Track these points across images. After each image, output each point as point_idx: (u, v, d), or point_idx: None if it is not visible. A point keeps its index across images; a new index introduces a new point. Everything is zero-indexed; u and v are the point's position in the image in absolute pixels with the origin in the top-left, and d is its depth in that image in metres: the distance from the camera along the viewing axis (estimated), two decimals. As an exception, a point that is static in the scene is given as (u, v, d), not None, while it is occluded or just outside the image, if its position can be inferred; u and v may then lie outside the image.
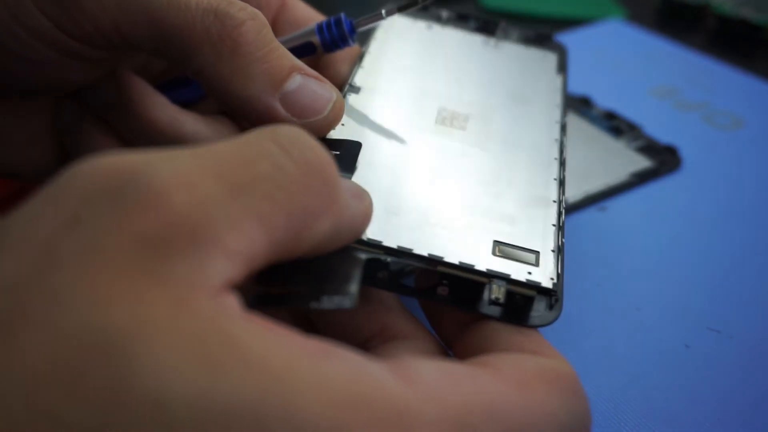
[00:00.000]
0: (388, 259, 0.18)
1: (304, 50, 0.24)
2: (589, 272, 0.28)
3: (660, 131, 0.37)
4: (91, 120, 0.23)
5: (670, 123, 0.39)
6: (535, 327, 0.18)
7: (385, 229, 0.18)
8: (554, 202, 0.21)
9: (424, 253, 0.18)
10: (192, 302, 0.12)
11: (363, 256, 0.17)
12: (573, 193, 0.32)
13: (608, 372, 0.23)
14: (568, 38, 0.48)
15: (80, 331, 0.11)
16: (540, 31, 0.30)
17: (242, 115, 0.21)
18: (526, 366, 0.15)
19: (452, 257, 0.18)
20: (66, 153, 0.24)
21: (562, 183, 0.22)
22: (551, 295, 0.18)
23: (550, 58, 0.29)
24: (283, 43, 0.23)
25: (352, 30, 0.24)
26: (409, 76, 0.25)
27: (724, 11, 0.50)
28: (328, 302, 0.15)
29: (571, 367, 0.16)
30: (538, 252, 0.19)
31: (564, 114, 0.25)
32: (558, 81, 0.27)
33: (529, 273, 0.18)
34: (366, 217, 0.17)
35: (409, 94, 0.24)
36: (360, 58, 0.25)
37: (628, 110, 0.39)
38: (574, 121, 0.38)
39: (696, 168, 0.35)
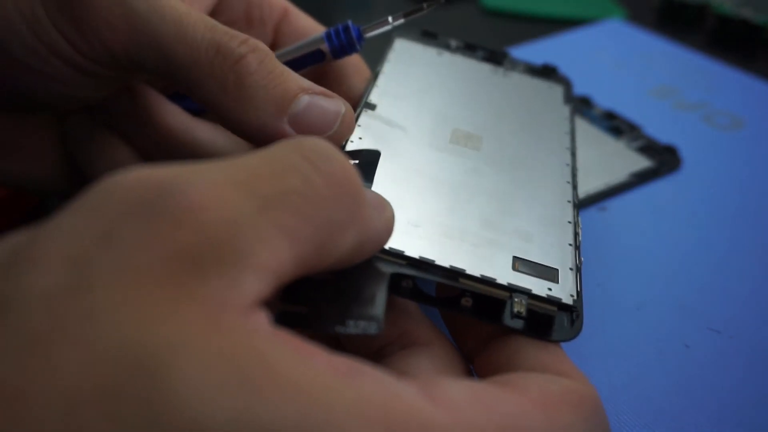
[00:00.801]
0: (412, 273, 0.18)
1: (313, 58, 0.25)
2: (589, 272, 0.28)
3: (660, 131, 0.37)
4: (103, 133, 0.24)
5: (670, 123, 0.39)
6: (557, 342, 0.18)
7: (405, 240, 0.18)
8: (569, 223, 0.22)
9: (446, 264, 0.18)
10: (225, 321, 0.12)
11: (387, 270, 0.17)
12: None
13: (608, 372, 0.23)
14: (568, 38, 0.48)
15: (116, 351, 0.11)
16: (546, 64, 0.31)
17: (252, 140, 0.21)
18: (551, 388, 0.15)
19: (473, 270, 0.18)
20: (72, 167, 0.25)
21: (576, 206, 0.23)
22: (572, 311, 0.19)
23: (556, 89, 0.30)
24: (293, 51, 0.24)
25: (360, 36, 0.24)
26: (422, 98, 0.26)
27: (724, 11, 0.50)
28: (354, 327, 0.15)
29: (594, 389, 0.16)
30: (557, 269, 0.20)
31: (573, 141, 0.26)
32: (566, 110, 0.28)
33: (550, 289, 0.19)
34: (388, 229, 0.17)
35: (423, 114, 0.25)
36: (374, 77, 0.26)
37: (628, 110, 0.39)
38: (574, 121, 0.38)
39: (696, 168, 0.35)
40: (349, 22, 0.24)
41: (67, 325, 0.11)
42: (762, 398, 0.23)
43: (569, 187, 0.23)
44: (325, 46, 0.24)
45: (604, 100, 0.40)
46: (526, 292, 0.18)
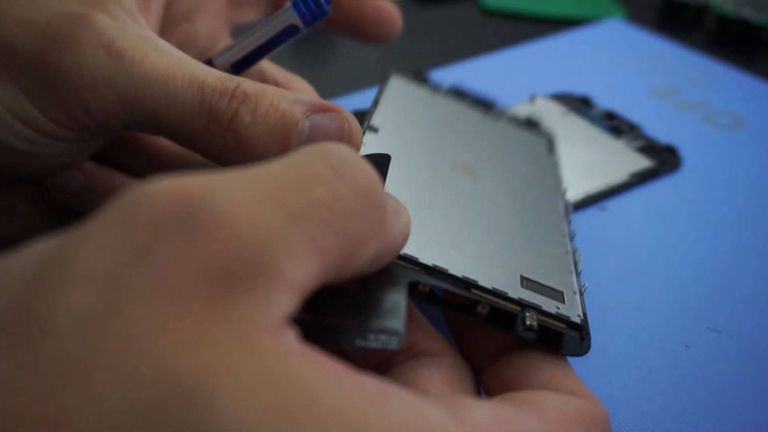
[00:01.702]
0: (428, 281, 0.18)
1: (288, 34, 0.24)
2: (589, 272, 0.28)
3: (660, 131, 0.37)
4: (101, 174, 0.24)
5: (670, 123, 0.39)
6: (568, 355, 0.19)
7: (417, 247, 0.19)
8: (567, 253, 0.23)
9: (459, 274, 0.18)
10: (261, 342, 0.12)
11: (404, 277, 0.17)
12: (573, 193, 0.32)
13: (608, 372, 0.23)
14: (568, 38, 0.48)
15: (156, 376, 0.11)
16: (529, 118, 0.33)
17: None
18: (567, 409, 0.16)
19: (486, 282, 0.19)
20: (43, 217, 0.24)
21: (571, 238, 0.24)
22: (581, 330, 0.19)
23: (541, 141, 0.31)
24: (267, 32, 0.23)
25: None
26: (419, 129, 0.26)
27: (724, 11, 0.50)
28: (375, 341, 0.15)
29: (605, 410, 0.17)
30: (563, 291, 0.20)
31: (562, 185, 0.28)
32: (552, 159, 0.30)
33: (558, 308, 0.19)
34: (405, 235, 0.16)
35: (422, 143, 0.25)
36: (375, 103, 0.26)
37: (628, 110, 0.39)
38: (574, 121, 0.38)
39: (696, 168, 0.35)
40: None
41: (106, 349, 0.11)
42: (762, 398, 0.23)
43: (565, 224, 0.25)
44: (296, 19, 0.23)
45: (604, 100, 0.40)
46: (536, 308, 0.19)
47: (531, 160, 0.29)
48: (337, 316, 0.15)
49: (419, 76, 0.31)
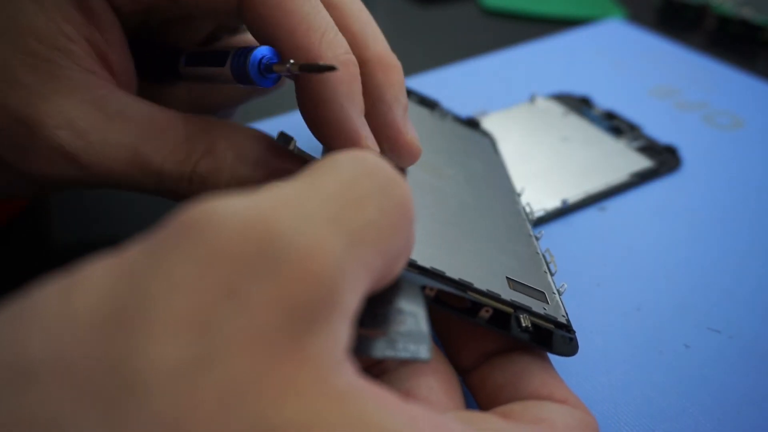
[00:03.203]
0: (435, 284, 0.18)
1: (214, 60, 0.21)
2: (589, 272, 0.28)
3: (660, 131, 0.37)
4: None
5: (670, 123, 0.39)
6: (560, 355, 0.19)
7: (414, 250, 0.19)
8: (537, 253, 0.23)
9: (456, 277, 0.18)
10: (336, 386, 0.12)
11: (416, 282, 0.17)
12: (573, 193, 0.32)
13: (608, 372, 0.23)
14: (568, 38, 0.48)
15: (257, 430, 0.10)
16: (471, 118, 0.33)
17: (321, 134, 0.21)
18: (572, 422, 0.17)
19: (480, 285, 0.19)
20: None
21: (537, 239, 0.25)
22: (568, 330, 0.20)
23: (486, 141, 0.32)
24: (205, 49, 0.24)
25: (263, 69, 0.20)
26: None
27: (724, 11, 0.50)
28: (404, 351, 0.15)
29: (593, 416, 0.18)
30: (544, 292, 0.21)
31: (513, 184, 0.29)
32: (499, 158, 0.30)
33: (545, 308, 0.20)
34: (413, 243, 0.16)
35: None
36: None
37: (628, 110, 0.39)
38: (574, 121, 0.38)
39: (696, 168, 0.35)
40: (262, 48, 0.20)
41: (202, 408, 0.10)
42: (762, 398, 0.23)
43: (526, 223, 0.25)
44: (228, 64, 0.20)
45: (604, 100, 0.40)
46: (527, 309, 0.19)
47: (483, 159, 0.29)
48: (362, 326, 0.15)
49: None
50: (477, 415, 0.16)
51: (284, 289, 0.11)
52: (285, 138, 0.19)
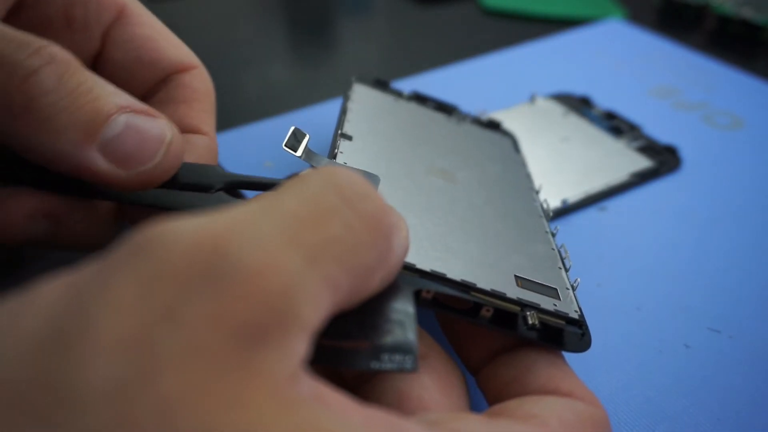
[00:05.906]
0: (431, 287, 0.18)
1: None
2: (589, 272, 0.28)
3: (660, 131, 0.37)
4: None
5: (670, 123, 0.39)
6: (571, 351, 0.19)
7: (413, 254, 0.19)
8: (552, 249, 0.23)
9: (457, 278, 0.18)
10: (288, 396, 0.11)
11: (408, 286, 0.17)
12: (573, 193, 0.32)
13: (608, 372, 0.23)
14: (568, 38, 0.48)
15: None
16: (491, 119, 0.33)
17: (58, 170, 0.18)
18: (569, 416, 0.16)
19: (484, 284, 0.19)
20: None
21: (554, 236, 0.24)
22: (580, 326, 0.19)
23: (506, 140, 0.31)
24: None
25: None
26: (389, 136, 0.26)
27: (724, 11, 0.50)
28: (390, 362, 0.15)
29: (604, 410, 0.17)
30: (556, 288, 0.20)
31: (533, 181, 0.28)
32: (519, 158, 0.30)
33: (555, 305, 0.19)
34: (406, 248, 0.16)
35: (395, 150, 0.25)
36: (344, 112, 0.26)
37: (628, 110, 0.39)
38: (575, 121, 0.38)
39: (696, 168, 0.35)
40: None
41: (141, 423, 0.10)
42: (762, 398, 0.23)
43: (543, 220, 0.25)
44: None
45: (604, 100, 0.40)
46: (535, 307, 0.19)
47: (501, 160, 0.29)
48: (347, 338, 0.15)
49: (380, 83, 0.31)
50: (454, 416, 0.15)
51: (227, 307, 0.11)
52: (298, 135, 0.20)
